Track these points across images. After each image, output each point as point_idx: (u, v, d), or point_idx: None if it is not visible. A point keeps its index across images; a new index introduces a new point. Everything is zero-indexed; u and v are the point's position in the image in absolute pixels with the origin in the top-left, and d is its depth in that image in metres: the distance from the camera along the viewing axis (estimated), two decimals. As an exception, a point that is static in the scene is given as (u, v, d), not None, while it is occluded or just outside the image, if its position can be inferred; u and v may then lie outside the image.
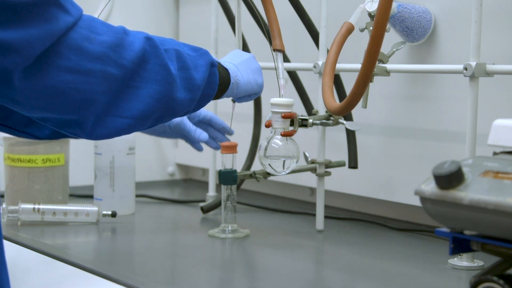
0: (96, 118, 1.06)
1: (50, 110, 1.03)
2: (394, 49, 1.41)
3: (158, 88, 1.10)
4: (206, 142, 1.54)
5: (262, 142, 1.42)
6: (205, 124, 1.53)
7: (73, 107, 1.03)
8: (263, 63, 1.69)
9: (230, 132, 1.56)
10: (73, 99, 1.02)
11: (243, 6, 1.59)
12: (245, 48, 1.75)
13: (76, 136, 1.09)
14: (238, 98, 1.35)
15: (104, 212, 1.58)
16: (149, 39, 1.11)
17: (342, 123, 1.48)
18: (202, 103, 1.21)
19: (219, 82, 1.23)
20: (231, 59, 1.32)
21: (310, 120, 1.45)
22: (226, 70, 1.27)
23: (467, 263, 1.28)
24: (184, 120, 1.49)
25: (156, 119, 1.13)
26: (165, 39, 1.16)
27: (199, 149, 1.58)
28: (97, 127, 1.07)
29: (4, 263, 1.05)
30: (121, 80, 1.06)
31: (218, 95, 1.26)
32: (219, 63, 1.26)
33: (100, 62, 1.03)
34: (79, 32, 1.01)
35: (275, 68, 1.41)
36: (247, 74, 1.31)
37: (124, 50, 1.07)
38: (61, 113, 1.04)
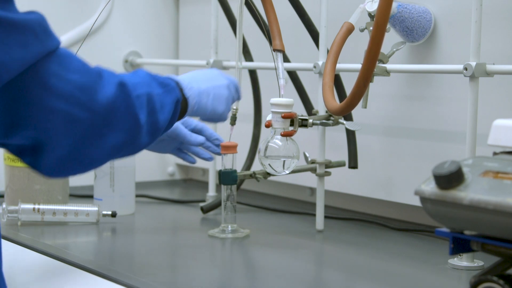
0: (54, 159, 1.01)
1: (8, 140, 0.98)
2: (394, 49, 1.41)
3: (124, 137, 1.07)
4: (198, 154, 1.51)
5: (262, 142, 1.42)
6: (197, 133, 1.51)
7: (31, 142, 0.99)
8: (263, 63, 1.70)
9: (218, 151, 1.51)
10: (31, 134, 0.98)
11: (243, 8, 1.59)
12: (245, 48, 1.75)
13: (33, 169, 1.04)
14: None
15: (104, 212, 1.58)
16: (122, 85, 1.06)
17: (342, 123, 1.48)
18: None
19: (178, 116, 1.20)
20: (201, 80, 1.28)
21: (310, 120, 1.45)
22: (186, 100, 1.23)
23: (467, 263, 1.28)
24: (180, 126, 1.47)
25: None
26: (137, 80, 1.11)
27: (192, 161, 1.54)
28: (54, 169, 1.02)
29: (0, 263, 1.04)
30: (88, 125, 1.01)
31: (173, 124, 1.23)
32: (183, 91, 1.22)
33: (65, 102, 0.98)
34: (48, 67, 0.96)
35: (275, 68, 1.41)
36: (205, 104, 1.27)
37: (95, 94, 1.01)
38: (18, 147, 0.99)
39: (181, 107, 1.21)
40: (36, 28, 0.94)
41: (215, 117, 1.32)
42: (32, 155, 1.01)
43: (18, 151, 1.02)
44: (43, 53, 0.95)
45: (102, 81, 1.03)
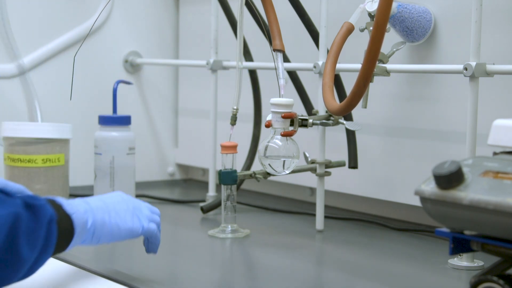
0: None
1: None
2: (394, 49, 1.41)
3: None
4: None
5: (262, 142, 1.42)
6: None
7: None
8: (263, 63, 1.69)
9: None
10: None
11: (243, 8, 1.59)
12: (245, 48, 1.75)
13: None
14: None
15: (104, 212, 1.57)
16: None
17: (342, 123, 1.48)
18: (34, 269, 1.00)
19: (57, 237, 0.99)
20: (93, 199, 1.13)
21: (310, 120, 1.45)
22: (69, 219, 1.03)
23: (467, 263, 1.28)
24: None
25: None
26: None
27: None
28: None
29: None
30: None
31: (61, 247, 1.03)
32: (63, 208, 1.03)
33: None
34: None
35: (275, 68, 1.41)
36: (104, 220, 1.10)
37: None
38: None
39: (64, 229, 1.02)
40: None
41: (123, 234, 1.12)
42: None
43: None
44: None
45: None
